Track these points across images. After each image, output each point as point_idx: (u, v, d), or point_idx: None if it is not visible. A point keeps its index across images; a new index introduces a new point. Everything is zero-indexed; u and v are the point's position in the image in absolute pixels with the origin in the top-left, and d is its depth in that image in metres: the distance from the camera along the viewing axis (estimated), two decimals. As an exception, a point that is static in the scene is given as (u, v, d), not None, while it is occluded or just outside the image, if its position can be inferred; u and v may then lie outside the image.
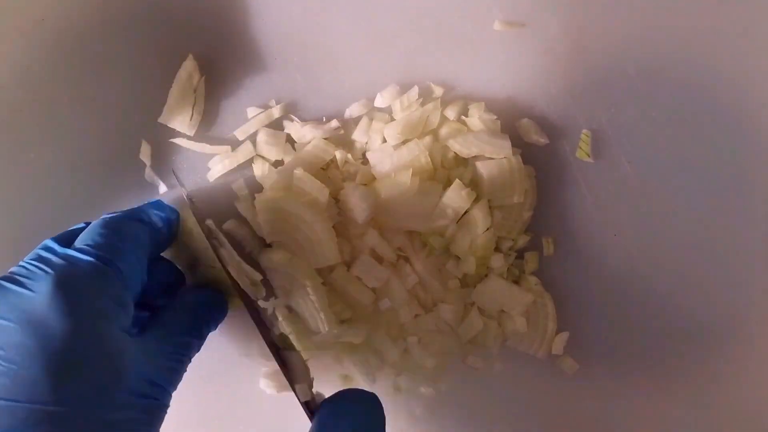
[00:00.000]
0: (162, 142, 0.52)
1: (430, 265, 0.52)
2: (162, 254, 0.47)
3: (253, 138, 0.52)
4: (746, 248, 0.53)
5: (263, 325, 0.49)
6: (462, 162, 0.52)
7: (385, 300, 0.50)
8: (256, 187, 0.52)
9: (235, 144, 0.52)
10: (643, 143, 0.53)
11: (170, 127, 0.52)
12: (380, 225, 0.51)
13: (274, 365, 0.51)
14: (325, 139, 0.51)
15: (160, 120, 0.51)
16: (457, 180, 0.49)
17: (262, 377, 0.52)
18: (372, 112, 0.53)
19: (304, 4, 0.53)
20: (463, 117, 0.53)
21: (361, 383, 0.52)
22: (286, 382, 0.48)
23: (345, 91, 0.53)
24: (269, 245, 0.50)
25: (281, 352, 0.49)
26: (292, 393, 0.46)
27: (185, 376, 0.42)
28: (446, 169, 0.51)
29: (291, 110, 0.53)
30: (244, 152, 0.52)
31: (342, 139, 0.52)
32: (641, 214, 0.53)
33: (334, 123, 0.52)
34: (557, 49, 0.53)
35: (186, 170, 0.52)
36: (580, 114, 0.53)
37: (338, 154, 0.51)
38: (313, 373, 0.49)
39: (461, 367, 0.53)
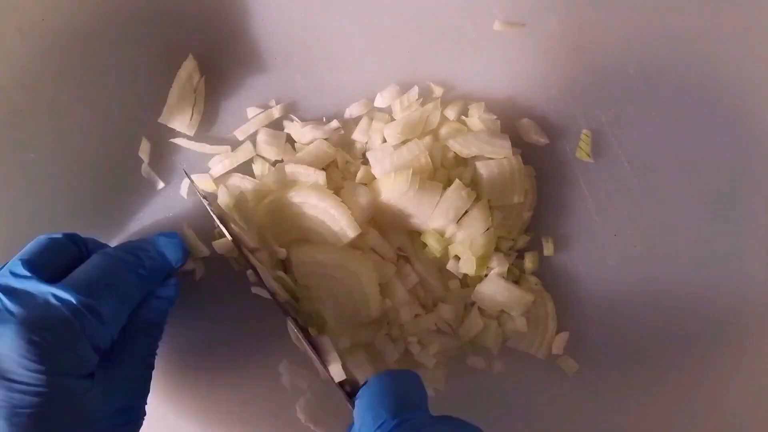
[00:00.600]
0: (162, 142, 0.52)
1: (430, 265, 0.52)
2: None
3: (253, 138, 0.52)
4: (746, 248, 0.53)
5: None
6: (462, 162, 0.52)
7: (386, 300, 0.50)
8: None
9: (235, 144, 0.52)
10: (643, 143, 0.53)
11: (170, 127, 0.52)
12: (380, 225, 0.51)
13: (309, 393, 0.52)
14: (325, 139, 0.52)
15: (161, 120, 0.51)
16: (457, 180, 0.49)
17: (297, 407, 0.53)
18: (372, 112, 0.53)
19: (304, 4, 0.53)
20: (463, 117, 0.53)
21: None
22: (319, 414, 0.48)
23: (345, 91, 0.53)
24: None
25: (313, 338, 0.48)
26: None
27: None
28: (446, 169, 0.51)
29: (291, 110, 0.53)
30: (244, 152, 0.52)
31: (342, 139, 0.52)
32: (641, 214, 0.53)
33: (335, 123, 0.52)
34: (557, 49, 0.53)
35: (186, 170, 0.52)
36: (580, 114, 0.53)
37: (338, 155, 0.51)
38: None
39: (461, 367, 0.53)
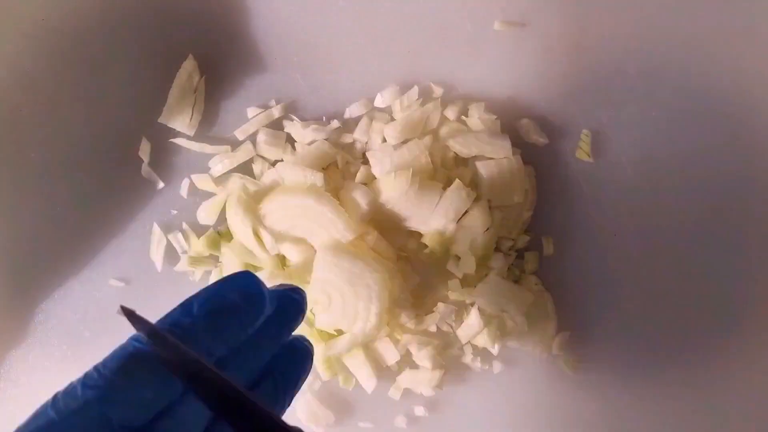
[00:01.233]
0: (162, 142, 0.52)
1: (430, 265, 0.52)
2: None
3: (253, 138, 0.52)
4: (746, 248, 0.53)
5: None
6: (462, 162, 0.52)
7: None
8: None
9: (235, 144, 0.52)
10: (643, 143, 0.53)
11: (170, 127, 0.52)
12: (380, 225, 0.51)
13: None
14: (325, 140, 0.51)
15: (160, 120, 0.51)
16: (457, 180, 0.49)
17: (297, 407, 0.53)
18: (372, 112, 0.53)
19: (304, 4, 0.53)
20: (463, 117, 0.53)
21: (365, 382, 0.51)
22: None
23: (345, 91, 0.53)
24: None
25: None
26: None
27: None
28: (446, 169, 0.51)
29: (291, 110, 0.53)
30: (244, 152, 0.52)
31: (342, 139, 0.52)
32: (641, 214, 0.53)
33: (335, 123, 0.52)
34: (557, 49, 0.53)
35: (186, 170, 0.52)
36: (580, 114, 0.53)
37: (339, 155, 0.51)
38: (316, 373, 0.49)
39: (461, 367, 0.53)
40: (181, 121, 0.52)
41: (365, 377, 0.51)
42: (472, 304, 0.52)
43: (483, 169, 0.50)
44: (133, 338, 0.32)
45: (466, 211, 0.50)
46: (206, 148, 0.52)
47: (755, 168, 0.53)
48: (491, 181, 0.50)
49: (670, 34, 0.53)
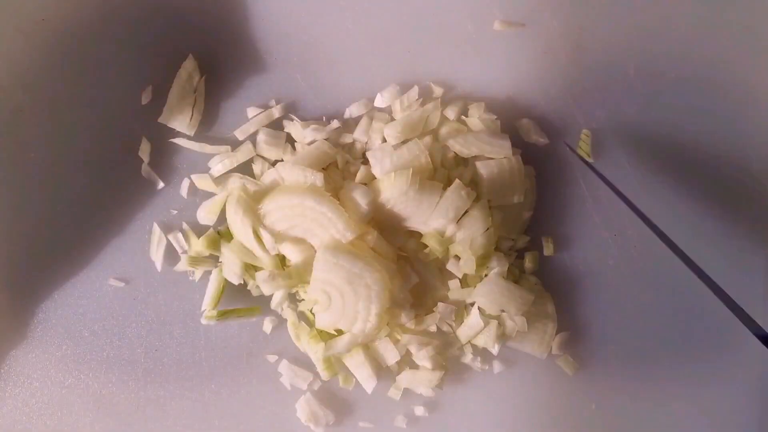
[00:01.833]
0: (162, 142, 0.52)
1: (430, 265, 0.52)
2: None
3: (253, 138, 0.52)
4: (746, 248, 0.53)
5: None
6: (462, 162, 0.52)
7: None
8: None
9: (235, 144, 0.52)
10: (643, 143, 0.53)
11: (170, 127, 0.52)
12: (380, 225, 0.51)
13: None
14: (325, 140, 0.51)
15: (161, 120, 0.51)
16: (456, 180, 0.49)
17: (297, 407, 0.53)
18: (372, 111, 0.53)
19: (305, 4, 0.53)
20: (463, 117, 0.53)
21: (365, 382, 0.51)
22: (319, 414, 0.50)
23: (345, 91, 0.53)
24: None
25: None
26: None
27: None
28: (446, 169, 0.51)
29: (291, 110, 0.53)
30: (244, 152, 0.52)
31: (342, 139, 0.52)
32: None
33: (335, 123, 0.52)
34: (557, 49, 0.53)
35: (186, 170, 0.52)
36: (580, 114, 0.53)
37: (339, 156, 0.51)
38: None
39: (461, 367, 0.53)
40: (181, 121, 0.52)
41: (365, 377, 0.51)
42: (472, 304, 0.52)
43: (483, 169, 0.50)
44: None
45: (466, 211, 0.50)
46: (206, 148, 0.52)
47: (755, 167, 0.53)
48: (491, 181, 0.50)
49: (670, 34, 0.53)
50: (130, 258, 0.52)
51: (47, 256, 0.52)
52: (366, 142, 0.52)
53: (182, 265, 0.52)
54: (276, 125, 0.53)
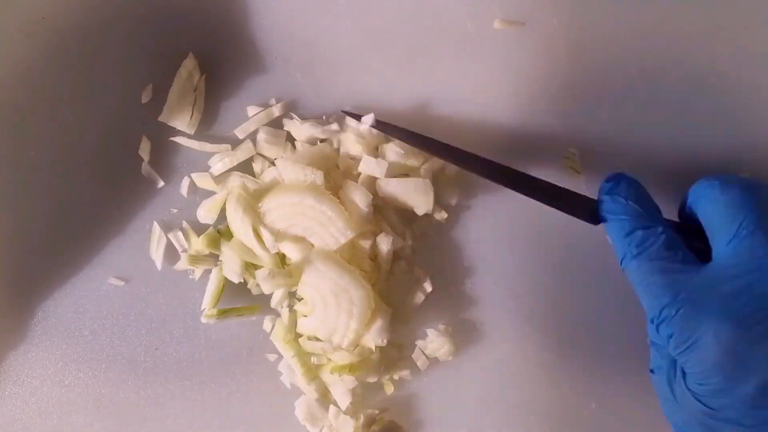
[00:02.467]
0: (162, 141, 0.52)
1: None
2: None
3: (253, 137, 0.52)
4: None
5: None
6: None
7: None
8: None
9: (235, 142, 0.52)
10: (643, 143, 0.53)
11: (170, 126, 0.52)
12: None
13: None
14: (325, 140, 0.52)
15: (161, 119, 0.52)
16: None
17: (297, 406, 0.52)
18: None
19: (305, 3, 0.53)
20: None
21: (339, 399, 0.51)
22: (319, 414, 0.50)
23: (345, 90, 0.53)
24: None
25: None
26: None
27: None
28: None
29: (291, 109, 0.53)
30: (245, 151, 0.52)
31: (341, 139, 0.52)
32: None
33: (335, 126, 0.52)
34: (557, 48, 0.53)
35: (186, 169, 0.52)
36: (579, 114, 0.53)
37: (340, 160, 0.51)
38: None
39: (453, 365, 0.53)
40: (182, 120, 0.52)
41: (340, 394, 0.51)
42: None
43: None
44: None
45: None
46: (206, 146, 0.52)
47: (755, 167, 0.53)
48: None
49: (670, 33, 0.53)
50: (130, 257, 0.52)
51: (47, 255, 0.52)
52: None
53: (182, 264, 0.52)
54: (276, 124, 0.53)
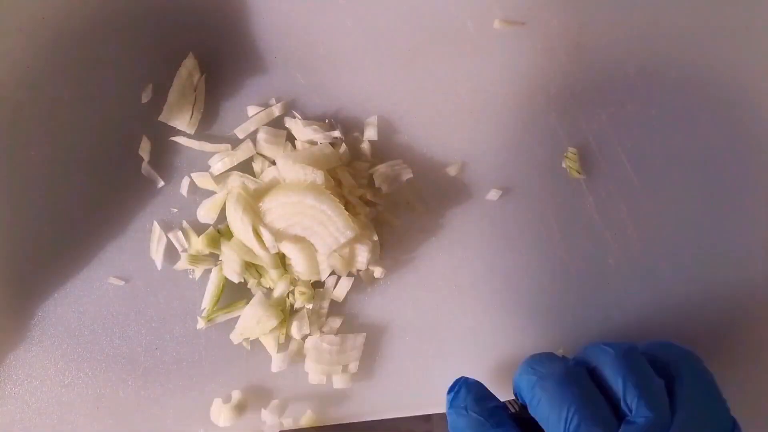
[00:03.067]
0: (162, 141, 0.52)
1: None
2: None
3: (253, 136, 0.52)
4: (747, 248, 0.53)
5: None
6: None
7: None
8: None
9: (235, 142, 0.52)
10: (643, 143, 0.53)
11: (170, 126, 0.52)
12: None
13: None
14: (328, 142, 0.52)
15: (161, 118, 0.52)
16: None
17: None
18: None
19: (305, 3, 0.53)
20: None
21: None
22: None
23: (345, 90, 0.53)
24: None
25: None
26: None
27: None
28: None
29: (291, 108, 0.53)
30: (245, 151, 0.52)
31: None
32: (641, 214, 0.53)
33: (337, 133, 0.52)
34: (557, 48, 0.53)
35: (186, 168, 0.52)
36: (579, 114, 0.53)
37: (343, 173, 0.52)
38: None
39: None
40: (182, 120, 0.52)
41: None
42: None
43: None
44: None
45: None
46: (206, 146, 0.52)
47: (755, 167, 0.53)
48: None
49: (670, 33, 0.53)
50: (129, 256, 0.52)
51: (47, 255, 0.52)
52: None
53: (182, 264, 0.52)
54: (276, 124, 0.53)
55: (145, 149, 0.52)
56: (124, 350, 0.52)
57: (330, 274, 0.51)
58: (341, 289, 0.52)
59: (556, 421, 0.40)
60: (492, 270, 0.53)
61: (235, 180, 0.51)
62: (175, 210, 0.52)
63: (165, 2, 0.52)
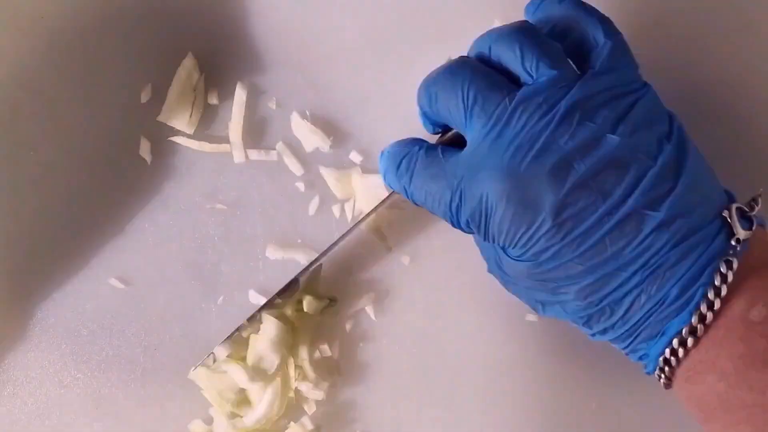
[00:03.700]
0: (162, 141, 0.52)
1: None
2: None
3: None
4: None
5: None
6: None
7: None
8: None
9: (235, 142, 0.52)
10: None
11: (170, 126, 0.52)
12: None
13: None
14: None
15: (159, 118, 0.52)
16: None
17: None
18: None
19: (304, 2, 0.53)
20: None
21: None
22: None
23: (345, 90, 0.53)
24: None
25: None
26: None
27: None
28: None
29: (290, 109, 0.53)
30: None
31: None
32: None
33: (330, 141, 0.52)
34: (557, 47, 0.53)
35: (185, 168, 0.52)
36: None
37: None
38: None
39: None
40: (181, 120, 0.52)
41: None
42: None
43: None
44: None
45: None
46: (205, 146, 0.52)
47: (756, 167, 0.53)
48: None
49: (669, 33, 0.53)
50: (129, 256, 0.52)
51: (46, 255, 0.52)
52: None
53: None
54: (276, 125, 0.53)
55: (145, 150, 0.52)
56: (123, 351, 0.52)
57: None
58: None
59: (455, 106, 0.38)
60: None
61: None
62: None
63: (165, 2, 0.52)
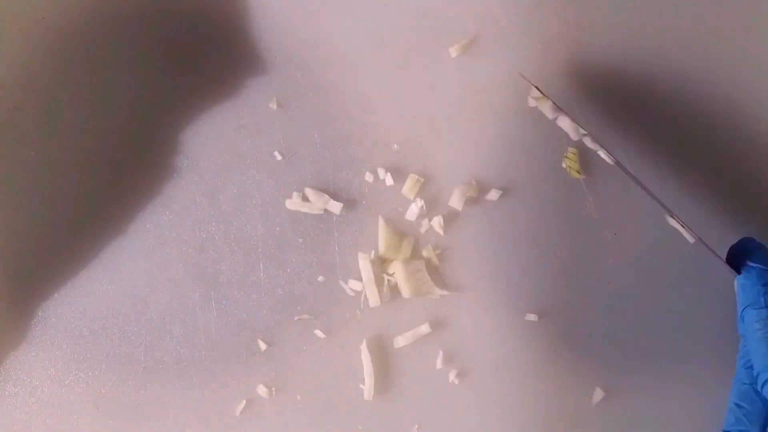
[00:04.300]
0: (161, 141, 0.52)
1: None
2: None
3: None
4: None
5: None
6: None
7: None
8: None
9: (235, 143, 0.52)
10: (644, 143, 0.53)
11: (169, 125, 0.52)
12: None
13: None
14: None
15: (159, 118, 0.51)
16: None
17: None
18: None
19: (305, 2, 0.53)
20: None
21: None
22: None
23: (345, 90, 0.53)
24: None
25: None
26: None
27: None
28: None
29: (290, 110, 0.53)
30: (244, 151, 0.52)
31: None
32: (641, 214, 0.53)
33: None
34: (557, 48, 0.53)
35: (186, 168, 0.52)
36: (579, 113, 0.53)
37: None
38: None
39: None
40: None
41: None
42: None
43: None
44: None
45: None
46: (205, 146, 0.52)
47: (755, 167, 0.53)
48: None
49: (670, 33, 0.53)
50: (130, 256, 0.52)
51: (47, 255, 0.52)
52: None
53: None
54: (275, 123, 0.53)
55: (146, 150, 0.52)
56: (124, 350, 0.52)
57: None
58: None
59: None
60: (492, 270, 0.53)
61: None
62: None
63: (165, 2, 0.52)
